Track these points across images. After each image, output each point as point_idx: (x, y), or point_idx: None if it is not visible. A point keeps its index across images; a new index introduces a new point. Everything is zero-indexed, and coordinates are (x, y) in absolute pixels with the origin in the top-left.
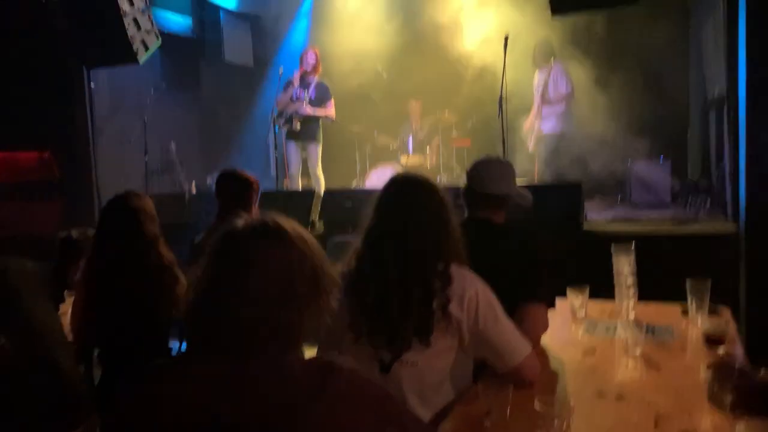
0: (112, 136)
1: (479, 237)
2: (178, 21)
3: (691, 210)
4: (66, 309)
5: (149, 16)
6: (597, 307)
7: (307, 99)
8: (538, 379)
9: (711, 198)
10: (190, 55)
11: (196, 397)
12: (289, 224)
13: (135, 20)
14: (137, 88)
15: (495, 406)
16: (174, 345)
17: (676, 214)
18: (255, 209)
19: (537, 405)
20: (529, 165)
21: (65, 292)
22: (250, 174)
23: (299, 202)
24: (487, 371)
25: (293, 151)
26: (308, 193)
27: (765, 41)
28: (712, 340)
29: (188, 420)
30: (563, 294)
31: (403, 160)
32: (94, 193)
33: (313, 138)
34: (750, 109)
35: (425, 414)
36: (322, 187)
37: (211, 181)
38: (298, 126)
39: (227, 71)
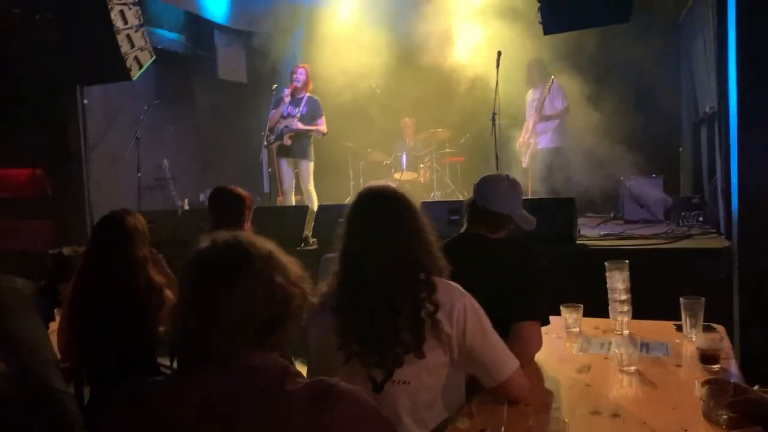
0: (105, 153)
1: (473, 250)
2: (171, 38)
3: (683, 226)
4: (56, 327)
5: (143, 33)
6: (591, 323)
7: (298, 115)
8: (526, 395)
9: (704, 214)
10: (183, 72)
11: (183, 418)
12: (253, 245)
13: (128, 37)
14: (130, 105)
15: (490, 424)
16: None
17: (669, 231)
18: (248, 226)
19: (532, 423)
20: (523, 180)
21: (55, 310)
22: (243, 190)
23: (292, 218)
24: (480, 390)
25: (285, 167)
26: (301, 210)
27: (755, 58)
28: (707, 358)
29: None
30: (557, 311)
31: (397, 176)
32: (86, 210)
33: (304, 155)
34: (741, 125)
35: None
36: (314, 203)
37: (204, 197)
38: (288, 142)
39: (221, 88)
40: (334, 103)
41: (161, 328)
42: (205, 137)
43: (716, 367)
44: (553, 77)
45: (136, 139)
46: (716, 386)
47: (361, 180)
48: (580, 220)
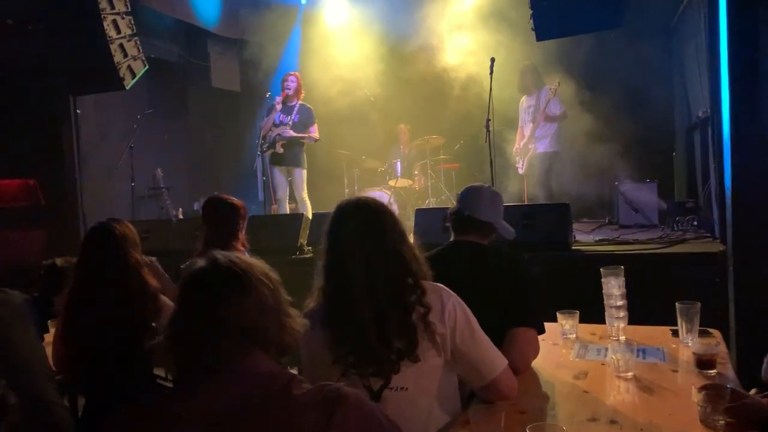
0: (99, 163)
1: (468, 257)
2: (164, 47)
3: (678, 231)
4: (50, 339)
5: (136, 42)
6: (587, 330)
7: (291, 123)
8: (515, 393)
9: (698, 218)
10: (177, 81)
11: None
12: (244, 264)
13: (121, 46)
14: (124, 115)
15: None
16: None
17: (664, 235)
18: (242, 235)
19: (530, 431)
20: (519, 186)
21: (49, 322)
22: (237, 200)
23: (287, 226)
24: (477, 397)
25: (278, 176)
26: (296, 218)
27: (747, 62)
28: (704, 363)
29: None
30: (547, 318)
31: (392, 183)
32: (79, 220)
33: (297, 162)
34: (734, 129)
35: None
36: (309, 211)
37: (198, 206)
38: (281, 149)
39: (214, 97)
40: (328, 111)
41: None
42: (199, 146)
43: (713, 372)
44: (558, 81)
45: (129, 149)
46: (713, 392)
47: (356, 187)
48: (575, 226)
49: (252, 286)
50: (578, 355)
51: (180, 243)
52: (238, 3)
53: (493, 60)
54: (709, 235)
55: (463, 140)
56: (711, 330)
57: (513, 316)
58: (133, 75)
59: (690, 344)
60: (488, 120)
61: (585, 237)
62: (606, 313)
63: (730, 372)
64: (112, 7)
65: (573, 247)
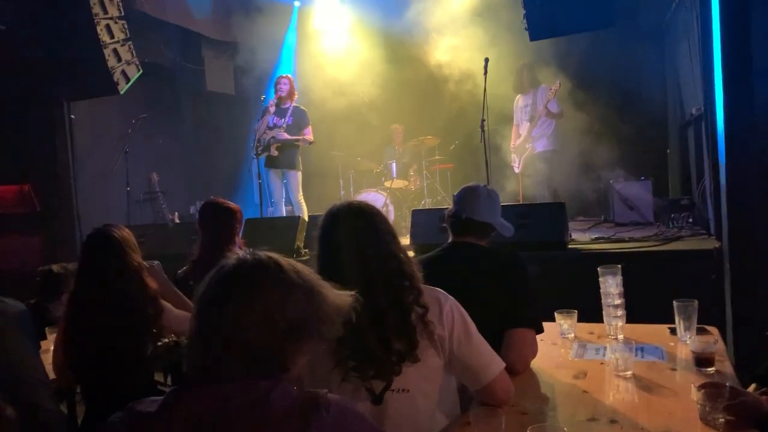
0: (94, 168)
1: (465, 259)
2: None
3: (673, 228)
4: (48, 346)
5: (129, 47)
6: (586, 329)
7: (284, 126)
8: (511, 397)
9: (693, 215)
10: (171, 85)
11: None
12: (277, 265)
13: (115, 51)
14: (118, 119)
15: None
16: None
17: (660, 233)
18: (239, 239)
19: None
20: (514, 185)
21: (46, 329)
22: (233, 203)
23: (284, 229)
24: (476, 400)
25: (273, 178)
26: (293, 221)
27: (740, 59)
28: (702, 361)
29: None
30: (550, 317)
31: (387, 184)
32: (75, 225)
33: (291, 165)
34: (728, 126)
35: None
36: (305, 213)
37: (194, 210)
38: (275, 152)
39: (209, 100)
40: (323, 113)
41: (159, 342)
42: (194, 149)
43: (711, 369)
44: (559, 82)
45: (124, 153)
46: (712, 390)
47: (352, 189)
48: (571, 224)
49: (258, 296)
50: (577, 354)
51: (176, 247)
52: (231, 6)
53: (487, 60)
54: (704, 231)
55: (458, 140)
56: (709, 327)
57: (511, 317)
58: (127, 79)
59: (688, 342)
60: (483, 120)
61: (581, 235)
62: (604, 312)
63: (728, 369)
64: (105, 11)
65: (569, 246)
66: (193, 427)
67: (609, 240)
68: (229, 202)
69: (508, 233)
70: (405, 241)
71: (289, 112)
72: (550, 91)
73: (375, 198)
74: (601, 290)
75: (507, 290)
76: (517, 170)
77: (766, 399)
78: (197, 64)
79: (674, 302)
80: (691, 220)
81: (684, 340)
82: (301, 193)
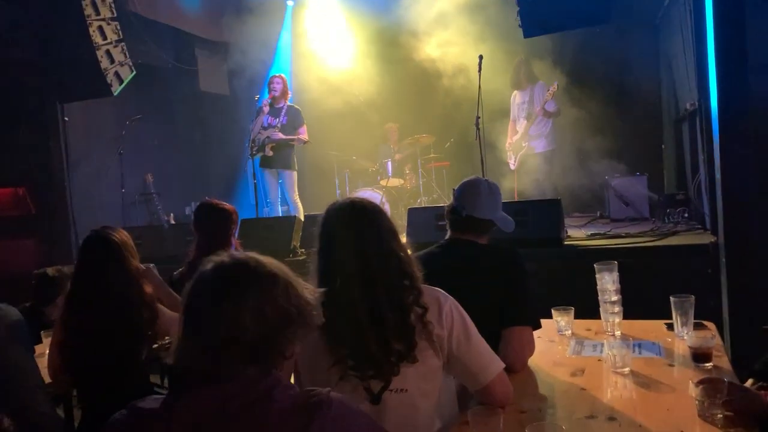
0: (88, 170)
1: (463, 257)
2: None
3: (669, 223)
4: (43, 350)
5: (122, 48)
6: (583, 325)
7: (279, 125)
8: (510, 398)
9: (689, 210)
10: (164, 86)
11: None
12: (256, 262)
13: (108, 53)
14: (112, 121)
15: None
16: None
17: (655, 228)
18: (234, 240)
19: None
20: (510, 182)
21: (42, 333)
22: (228, 204)
23: (280, 228)
24: (474, 399)
25: (269, 178)
26: (289, 220)
27: (734, 53)
28: (700, 356)
29: None
30: (547, 314)
31: (383, 182)
32: (70, 228)
33: (287, 165)
34: (722, 121)
35: None
36: (300, 213)
37: (189, 211)
38: (270, 152)
39: (203, 100)
40: (318, 112)
41: (155, 345)
42: (189, 150)
43: (709, 365)
44: (557, 83)
45: (119, 155)
46: (710, 386)
47: (347, 188)
48: (567, 220)
49: (249, 294)
50: (574, 351)
51: (172, 248)
52: (224, 6)
53: (481, 57)
54: (700, 226)
55: (453, 138)
56: (706, 322)
57: (508, 315)
58: (121, 81)
59: (685, 337)
60: (478, 117)
61: (577, 232)
62: (601, 309)
63: (726, 364)
64: (98, 13)
65: (565, 243)
66: (193, 428)
67: (605, 236)
68: (224, 203)
69: (509, 228)
70: (402, 239)
71: (284, 111)
72: (547, 92)
73: (371, 197)
74: (598, 287)
75: (505, 288)
76: (513, 167)
77: (764, 394)
78: (190, 64)
79: (671, 298)
80: (686, 215)
81: (681, 335)
82: (297, 193)
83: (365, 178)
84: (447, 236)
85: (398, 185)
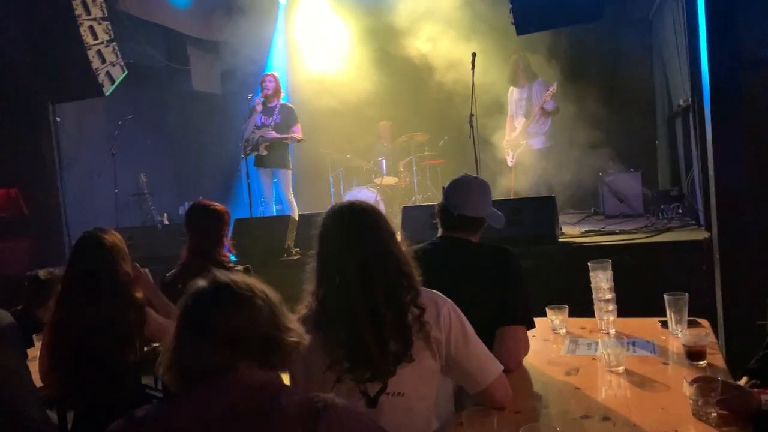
0: (81, 170)
1: (455, 255)
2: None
3: (663, 219)
4: (35, 353)
5: (114, 48)
6: (577, 324)
7: (273, 124)
8: (509, 400)
9: (683, 206)
10: (157, 85)
11: None
12: (240, 281)
13: (99, 53)
14: (104, 121)
15: None
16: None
17: (650, 224)
18: (227, 240)
19: None
20: (506, 179)
21: (34, 336)
22: (220, 205)
23: (274, 228)
24: (470, 400)
25: (263, 177)
26: (283, 220)
27: (727, 49)
28: (694, 354)
29: None
30: (541, 312)
31: (378, 181)
32: (63, 229)
33: (281, 164)
34: (715, 116)
35: None
36: (295, 212)
37: (183, 210)
38: (264, 151)
39: (195, 100)
40: (312, 110)
41: (146, 348)
42: (182, 150)
43: (703, 363)
44: (555, 82)
45: (111, 155)
46: (704, 384)
47: (342, 186)
48: (561, 217)
49: (247, 300)
50: (569, 350)
51: (166, 249)
52: (216, 4)
53: (474, 55)
54: (694, 222)
55: (447, 136)
56: (700, 320)
57: (502, 314)
58: (112, 81)
59: (679, 335)
60: (471, 115)
61: (571, 229)
62: (595, 307)
63: (720, 362)
64: (88, 12)
65: (560, 240)
66: (199, 430)
67: (599, 233)
68: (216, 203)
69: (499, 224)
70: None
71: (277, 110)
72: (546, 93)
73: (366, 195)
74: (592, 285)
75: (499, 287)
76: (510, 164)
77: (758, 392)
78: (183, 64)
79: (665, 296)
80: (680, 211)
81: (675, 333)
82: (292, 192)
83: (359, 176)
84: (438, 234)
85: (393, 183)
